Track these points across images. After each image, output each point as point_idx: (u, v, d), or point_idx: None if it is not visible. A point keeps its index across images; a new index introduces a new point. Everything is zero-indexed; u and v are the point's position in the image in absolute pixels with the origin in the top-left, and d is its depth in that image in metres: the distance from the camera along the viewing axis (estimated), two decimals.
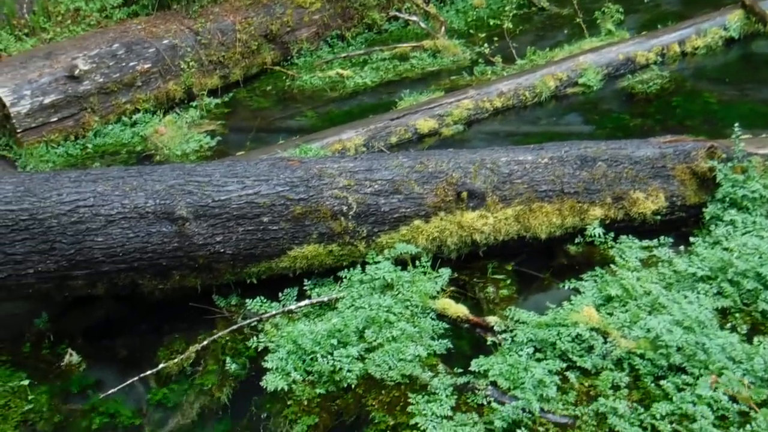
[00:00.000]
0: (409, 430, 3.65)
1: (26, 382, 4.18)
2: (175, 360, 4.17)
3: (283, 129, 6.79)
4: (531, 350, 3.90)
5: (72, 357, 4.34)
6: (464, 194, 4.47)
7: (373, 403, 3.81)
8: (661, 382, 3.67)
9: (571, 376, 3.79)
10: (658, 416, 3.51)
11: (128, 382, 4.06)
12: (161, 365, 4.15)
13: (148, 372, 4.11)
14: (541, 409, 3.63)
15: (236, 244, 4.27)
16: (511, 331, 4.05)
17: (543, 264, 4.71)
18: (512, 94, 6.65)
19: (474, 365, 3.88)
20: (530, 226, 4.58)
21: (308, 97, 7.40)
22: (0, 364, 4.33)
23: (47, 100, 6.47)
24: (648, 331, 3.83)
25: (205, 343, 4.21)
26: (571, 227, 4.64)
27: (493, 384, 3.77)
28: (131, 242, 4.13)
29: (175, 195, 4.21)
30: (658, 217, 4.70)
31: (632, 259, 4.49)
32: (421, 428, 3.62)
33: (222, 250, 4.25)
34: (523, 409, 3.61)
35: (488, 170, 4.57)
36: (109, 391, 4.05)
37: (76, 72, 6.56)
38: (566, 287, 4.43)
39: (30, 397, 4.14)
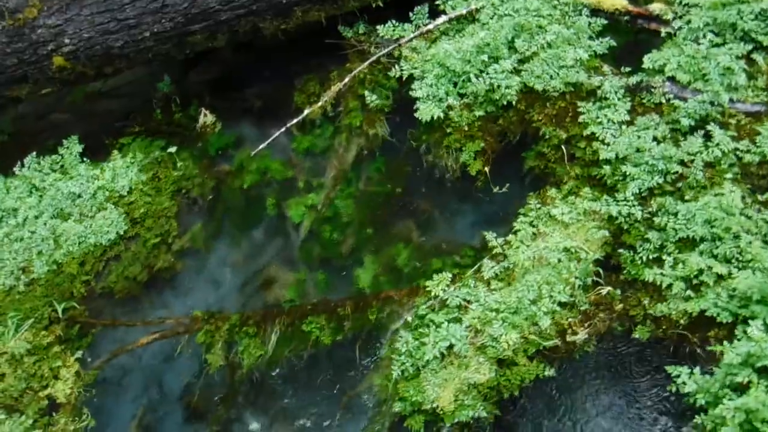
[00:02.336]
0: (586, 142, 3.39)
1: (173, 149, 4.02)
2: (318, 104, 3.87)
3: None
4: (711, 36, 3.47)
5: (206, 117, 4.12)
6: None
7: (539, 118, 3.51)
8: None
9: (758, 58, 3.41)
10: None
11: (274, 136, 3.81)
12: (306, 111, 3.86)
13: (293, 121, 3.84)
14: (731, 100, 3.31)
15: None
16: (681, 17, 3.60)
17: None
18: None
19: (646, 61, 3.50)
20: None
21: None
22: (135, 135, 4.16)
23: None
24: None
25: (346, 80, 3.85)
26: None
27: (671, 79, 3.42)
28: None
29: None
30: None
31: None
32: (599, 137, 3.35)
33: None
34: (712, 102, 3.29)
35: None
36: (259, 147, 3.83)
37: None
38: None
39: (178, 164, 3.99)
